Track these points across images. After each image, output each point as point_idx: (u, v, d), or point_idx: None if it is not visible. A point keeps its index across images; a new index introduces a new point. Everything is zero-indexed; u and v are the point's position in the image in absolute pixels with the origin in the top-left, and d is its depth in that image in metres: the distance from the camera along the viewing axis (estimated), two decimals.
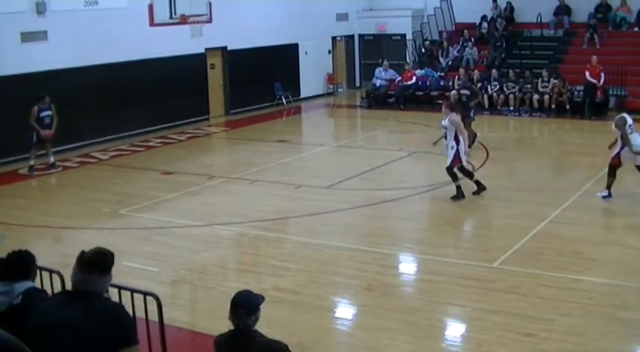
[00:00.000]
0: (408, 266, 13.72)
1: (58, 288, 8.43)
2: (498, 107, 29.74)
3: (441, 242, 14.34)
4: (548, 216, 15.50)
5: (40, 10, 23.35)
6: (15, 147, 22.08)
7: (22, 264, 7.01)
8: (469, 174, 17.49)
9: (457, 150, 16.86)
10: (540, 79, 29.46)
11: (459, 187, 17.20)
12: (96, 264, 5.40)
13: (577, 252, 13.45)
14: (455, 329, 10.71)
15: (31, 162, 21.33)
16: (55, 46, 23.66)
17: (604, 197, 16.66)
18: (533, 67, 30.28)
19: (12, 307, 6.32)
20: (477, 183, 17.44)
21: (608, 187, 16.72)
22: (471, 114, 21.49)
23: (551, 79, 29.14)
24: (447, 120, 17.09)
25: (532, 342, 9.77)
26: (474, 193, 17.26)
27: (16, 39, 22.84)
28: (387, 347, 9.97)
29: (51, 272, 8.69)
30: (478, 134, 21.76)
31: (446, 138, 17.33)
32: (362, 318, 11.26)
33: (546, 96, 28.91)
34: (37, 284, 7.47)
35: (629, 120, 16.35)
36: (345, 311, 11.72)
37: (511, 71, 30.48)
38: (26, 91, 21.99)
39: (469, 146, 18.87)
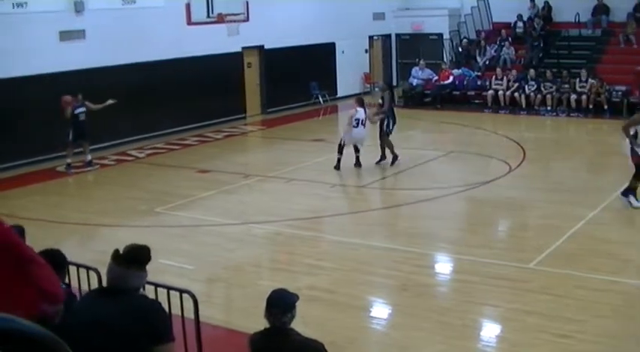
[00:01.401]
0: (442, 266, 13.70)
1: (94, 285, 8.51)
2: (535, 107, 29.59)
3: (475, 242, 14.29)
4: (585, 217, 15.40)
5: (78, 9, 23.53)
6: (52, 144, 22.26)
7: (53, 264, 7.07)
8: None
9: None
10: (578, 79, 29.26)
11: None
12: (133, 258, 5.42)
13: (612, 253, 13.37)
14: (489, 330, 10.69)
15: (69, 160, 21.54)
16: (92, 44, 23.83)
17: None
18: (570, 67, 30.10)
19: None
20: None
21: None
22: (385, 128, 21.18)
23: (589, 79, 28.96)
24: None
25: (565, 344, 9.73)
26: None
27: (55, 38, 23.03)
28: (420, 346, 9.97)
29: (88, 269, 8.77)
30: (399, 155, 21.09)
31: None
32: (396, 318, 11.28)
33: (584, 96, 28.71)
34: (74, 281, 7.55)
35: None
36: (379, 310, 11.73)
37: (548, 71, 30.31)
38: (64, 90, 22.20)
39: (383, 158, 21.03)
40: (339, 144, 20.65)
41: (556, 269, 12.47)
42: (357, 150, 20.76)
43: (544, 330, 10.09)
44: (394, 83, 38.10)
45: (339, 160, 20.62)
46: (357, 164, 20.73)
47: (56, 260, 7.14)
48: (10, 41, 21.55)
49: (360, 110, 20.63)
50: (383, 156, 20.93)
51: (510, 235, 15.58)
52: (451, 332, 10.26)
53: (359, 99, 21.58)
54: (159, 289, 7.83)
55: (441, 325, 10.54)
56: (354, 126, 20.44)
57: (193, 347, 8.32)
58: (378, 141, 21.02)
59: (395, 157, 20.91)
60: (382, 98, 21.56)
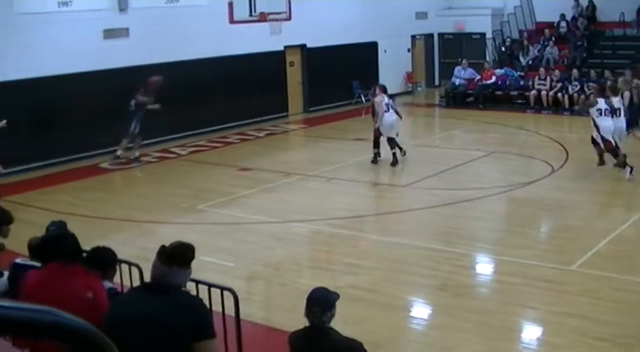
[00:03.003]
0: (482, 267, 13.65)
1: (136, 281, 8.58)
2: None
3: (516, 243, 14.21)
4: (629, 220, 15.27)
5: (122, 7, 23.72)
6: (95, 141, 22.50)
7: (102, 261, 7.14)
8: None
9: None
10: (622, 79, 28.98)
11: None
12: (178, 256, 5.46)
13: None
14: (529, 332, 10.63)
15: (119, 153, 21.83)
16: (135, 42, 24.01)
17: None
18: (614, 67, 29.82)
19: None
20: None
21: None
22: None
23: (634, 79, 28.67)
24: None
25: (605, 347, 9.65)
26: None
27: (99, 36, 23.22)
28: (459, 347, 9.96)
29: (130, 265, 8.84)
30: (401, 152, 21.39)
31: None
32: (436, 318, 11.26)
33: None
34: (116, 276, 7.62)
35: None
36: (419, 310, 11.72)
37: (592, 71, 30.09)
38: (107, 88, 22.44)
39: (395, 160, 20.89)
40: (375, 139, 21.09)
41: (598, 271, 12.36)
42: (392, 146, 20.86)
43: (584, 333, 10.02)
44: (436, 83, 38.11)
45: (375, 154, 21.13)
46: (394, 162, 20.84)
47: (107, 257, 7.23)
48: (54, 39, 21.77)
49: (385, 96, 21.07)
50: (395, 159, 20.92)
51: (552, 236, 15.46)
52: (490, 334, 10.23)
53: (381, 86, 21.79)
54: (200, 286, 7.87)
55: (481, 326, 10.51)
56: (385, 111, 20.77)
57: (233, 345, 8.36)
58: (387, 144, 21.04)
59: (375, 155, 21.40)
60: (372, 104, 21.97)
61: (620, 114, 18.99)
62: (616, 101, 18.99)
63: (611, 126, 18.62)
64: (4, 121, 16.27)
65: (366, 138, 22.23)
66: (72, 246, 6.37)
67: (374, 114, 21.40)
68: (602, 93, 19.26)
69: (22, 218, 14.84)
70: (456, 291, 11.89)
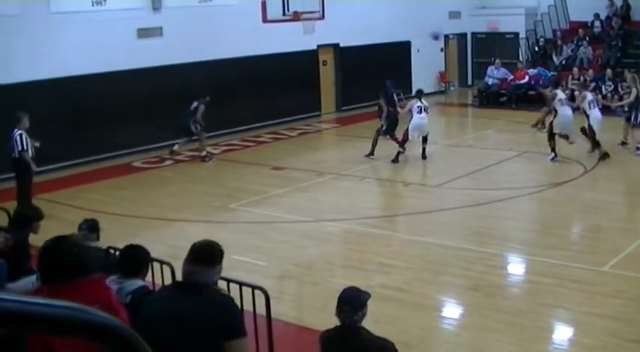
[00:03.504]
0: (514, 267, 13.61)
1: (168, 279, 8.62)
2: (612, 107, 29.16)
3: (548, 243, 14.15)
4: None
5: (156, 6, 23.85)
6: (127, 140, 22.69)
7: (135, 259, 7.19)
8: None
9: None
10: None
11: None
12: (203, 255, 5.50)
13: None
14: (560, 333, 10.60)
15: (175, 147, 22.34)
16: (169, 41, 24.12)
17: None
18: None
19: None
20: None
21: None
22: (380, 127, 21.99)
23: None
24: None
25: (636, 348, 9.61)
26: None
27: (133, 35, 23.37)
28: (491, 348, 9.94)
29: (162, 263, 8.88)
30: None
31: None
32: (467, 318, 11.24)
33: None
34: (148, 275, 7.66)
35: None
36: (450, 310, 11.71)
37: (626, 71, 29.86)
38: (141, 86, 22.60)
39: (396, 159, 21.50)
40: (403, 138, 21.50)
41: (630, 272, 12.29)
42: (423, 140, 21.43)
43: (616, 334, 9.98)
44: (469, 82, 37.98)
45: (398, 153, 21.43)
46: (423, 156, 21.55)
47: (140, 255, 7.27)
48: (89, 38, 21.95)
49: (415, 100, 21.73)
50: (396, 158, 21.44)
51: (584, 237, 15.40)
52: (522, 334, 10.20)
53: (418, 91, 22.79)
54: (231, 285, 7.90)
55: (513, 326, 10.48)
56: (417, 113, 21.34)
57: (264, 344, 8.39)
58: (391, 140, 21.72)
59: (370, 153, 21.86)
60: (378, 106, 22.47)
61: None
62: (559, 92, 21.41)
63: (566, 115, 20.83)
64: (39, 143, 16.45)
65: (398, 138, 22.18)
66: (62, 263, 5.95)
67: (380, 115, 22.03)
68: (557, 86, 22.34)
69: (55, 215, 15.05)
70: (488, 291, 11.86)
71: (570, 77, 30.36)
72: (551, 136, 20.84)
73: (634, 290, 11.56)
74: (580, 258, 13.11)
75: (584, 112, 21.11)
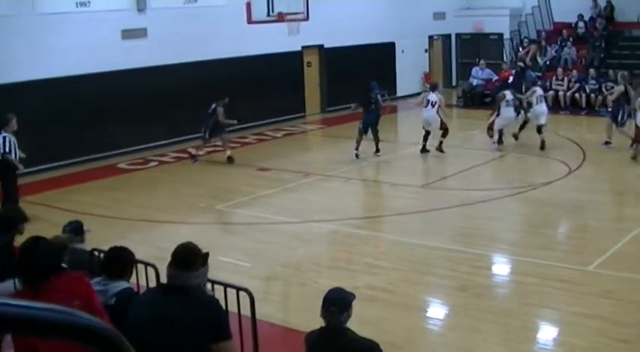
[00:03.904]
0: (501, 268, 13.62)
1: (152, 281, 8.59)
2: (596, 108, 29.28)
3: (535, 243, 14.17)
4: None
5: (141, 7, 23.79)
6: (113, 141, 22.63)
7: (119, 261, 7.16)
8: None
9: None
10: None
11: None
12: (182, 260, 5.49)
13: None
14: (548, 333, 10.60)
15: (193, 151, 22.32)
16: (154, 42, 24.06)
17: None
18: (633, 68, 29.69)
19: (105, 307, 6.43)
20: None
21: None
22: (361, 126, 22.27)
23: None
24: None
25: (626, 348, 9.62)
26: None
27: (117, 36, 23.29)
28: (478, 348, 9.94)
29: (146, 265, 8.85)
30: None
31: None
32: (454, 318, 11.24)
33: None
34: (132, 277, 7.63)
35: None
36: (437, 311, 11.71)
37: (610, 71, 29.99)
38: (126, 88, 22.57)
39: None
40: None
41: (617, 272, 12.30)
42: (426, 135, 22.19)
43: (604, 334, 9.98)
44: (454, 83, 38.04)
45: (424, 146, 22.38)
46: (423, 150, 22.33)
47: (124, 257, 7.24)
48: (73, 39, 21.86)
49: (432, 93, 22.28)
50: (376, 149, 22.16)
51: (570, 237, 15.42)
52: (510, 335, 10.20)
53: (432, 84, 23.67)
54: (216, 286, 7.87)
55: (500, 327, 10.49)
56: (424, 107, 22.17)
57: (250, 345, 8.36)
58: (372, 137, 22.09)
59: (356, 155, 21.96)
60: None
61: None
62: (508, 93, 22.79)
63: (508, 117, 22.64)
64: (24, 155, 16.44)
65: (383, 139, 22.22)
66: (41, 262, 5.86)
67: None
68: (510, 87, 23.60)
69: (42, 218, 15.00)
70: (475, 292, 11.86)
71: (554, 78, 30.46)
72: (490, 127, 22.75)
73: (621, 289, 11.56)
74: (567, 258, 13.12)
75: (529, 105, 22.94)
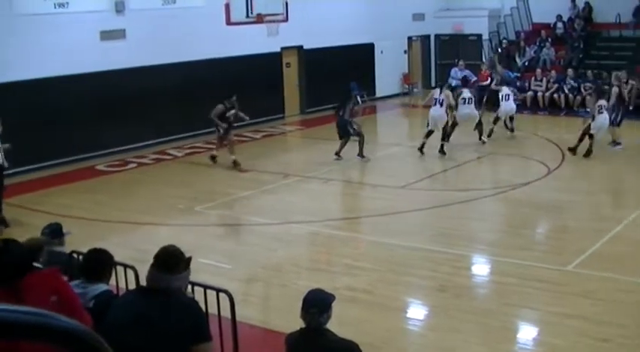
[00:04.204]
0: (481, 268, 13.65)
1: (132, 283, 8.57)
2: (575, 108, 29.37)
3: (514, 244, 14.21)
4: (626, 219, 15.29)
5: (119, 8, 23.71)
6: (93, 143, 22.55)
7: (98, 264, 7.12)
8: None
9: None
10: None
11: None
12: (165, 263, 5.47)
13: None
14: (528, 333, 10.63)
15: (214, 153, 22.05)
16: (132, 44, 23.98)
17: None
18: (611, 68, 29.81)
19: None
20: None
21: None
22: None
23: (630, 80, 28.67)
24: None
25: (606, 347, 9.64)
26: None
27: (96, 37, 23.20)
28: (458, 348, 9.94)
29: (125, 267, 8.82)
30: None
31: None
32: (434, 319, 11.25)
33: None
34: (112, 279, 7.60)
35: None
36: (417, 311, 11.71)
37: (589, 72, 30.11)
38: (105, 89, 22.48)
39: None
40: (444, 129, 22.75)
41: (596, 272, 12.36)
42: (429, 133, 22.63)
43: (584, 334, 10.01)
44: (433, 84, 38.04)
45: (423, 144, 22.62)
46: (422, 148, 22.44)
47: (103, 259, 7.20)
48: (51, 41, 21.75)
49: (439, 92, 22.69)
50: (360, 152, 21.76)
51: (549, 237, 15.47)
52: (490, 335, 10.22)
53: (443, 83, 24.79)
54: (196, 288, 7.85)
55: (480, 327, 10.51)
56: (432, 105, 22.62)
57: (230, 347, 8.35)
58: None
59: (337, 154, 21.84)
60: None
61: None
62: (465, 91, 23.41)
63: (462, 113, 23.05)
64: (8, 145, 16.36)
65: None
66: (12, 263, 5.89)
67: None
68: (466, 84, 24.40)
69: (21, 220, 14.94)
70: (455, 292, 11.87)
71: (533, 78, 30.56)
72: (454, 126, 22.98)
73: (601, 289, 11.60)
74: (546, 258, 13.16)
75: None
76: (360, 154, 21.51)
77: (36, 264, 7.85)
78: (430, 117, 22.44)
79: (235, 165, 21.32)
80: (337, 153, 21.71)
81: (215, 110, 21.26)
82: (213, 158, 21.93)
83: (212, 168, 21.52)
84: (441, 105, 22.14)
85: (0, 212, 16.06)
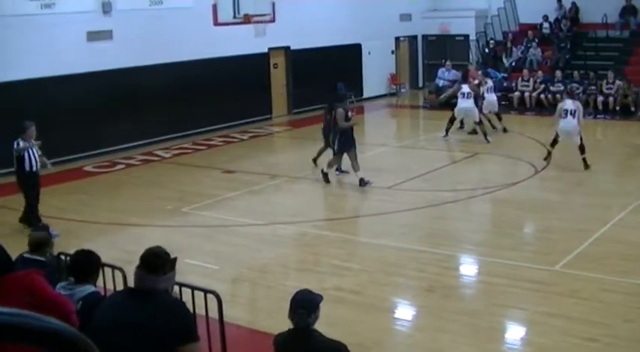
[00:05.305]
0: (468, 268, 13.66)
1: (119, 284, 8.55)
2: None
3: (502, 244, 14.23)
4: (612, 220, 15.32)
5: (106, 9, 23.65)
6: (80, 144, 22.49)
7: (86, 265, 7.10)
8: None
9: None
10: (605, 81, 29.07)
11: None
12: (150, 264, 5.47)
13: None
14: (515, 333, 10.64)
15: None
16: (119, 45, 23.93)
17: None
18: (597, 69, 29.93)
19: None
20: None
21: None
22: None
23: (616, 81, 28.77)
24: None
25: (593, 347, 9.67)
26: None
27: (83, 38, 23.14)
28: (446, 349, 9.95)
29: (113, 268, 8.80)
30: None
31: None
32: (422, 319, 11.26)
33: (611, 98, 28.56)
34: (99, 280, 7.58)
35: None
36: (405, 312, 11.72)
37: (575, 72, 30.18)
38: (92, 90, 22.43)
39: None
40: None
41: (583, 272, 12.39)
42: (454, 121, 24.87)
43: (571, 334, 10.04)
44: (420, 84, 38.09)
45: (447, 130, 24.80)
46: (486, 140, 23.82)
47: (90, 261, 7.18)
48: (37, 42, 21.67)
49: (465, 86, 24.33)
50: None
51: (537, 237, 15.49)
52: (477, 335, 10.23)
53: (464, 76, 25.70)
54: (183, 289, 7.84)
55: (468, 327, 10.52)
56: (460, 98, 24.26)
57: (218, 347, 8.34)
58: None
59: (314, 159, 21.07)
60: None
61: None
62: (465, 87, 24.32)
63: (460, 107, 24.31)
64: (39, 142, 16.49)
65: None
66: None
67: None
68: (464, 80, 25.05)
69: (7, 221, 14.88)
70: (443, 293, 11.88)
71: (520, 79, 30.62)
72: (451, 120, 24.72)
73: (588, 289, 11.63)
74: (533, 258, 13.19)
75: (482, 96, 24.91)
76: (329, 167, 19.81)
77: (40, 258, 7.91)
78: (459, 109, 24.39)
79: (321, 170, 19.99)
80: (314, 160, 21.04)
81: (339, 114, 19.10)
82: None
83: (199, 170, 21.55)
84: (469, 97, 23.78)
85: (36, 213, 15.94)
